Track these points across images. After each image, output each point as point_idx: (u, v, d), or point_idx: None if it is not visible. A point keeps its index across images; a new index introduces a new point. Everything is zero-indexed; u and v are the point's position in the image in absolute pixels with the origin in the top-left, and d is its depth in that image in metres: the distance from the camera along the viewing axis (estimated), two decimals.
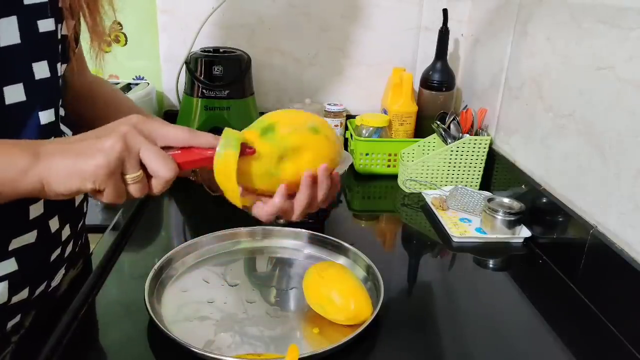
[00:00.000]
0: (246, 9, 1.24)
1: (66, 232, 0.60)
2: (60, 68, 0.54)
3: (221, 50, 1.16)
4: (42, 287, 0.58)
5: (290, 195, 0.54)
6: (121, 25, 1.24)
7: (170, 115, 1.27)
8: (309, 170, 0.53)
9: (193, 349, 0.56)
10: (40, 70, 0.51)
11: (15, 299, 0.55)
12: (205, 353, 0.56)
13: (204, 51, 1.14)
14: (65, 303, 0.64)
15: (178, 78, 1.22)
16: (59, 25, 0.53)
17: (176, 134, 0.49)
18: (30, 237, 0.54)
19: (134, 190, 0.47)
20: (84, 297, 0.67)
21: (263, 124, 0.54)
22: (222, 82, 1.11)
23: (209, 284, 0.72)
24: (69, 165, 0.44)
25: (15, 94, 0.49)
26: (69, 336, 0.61)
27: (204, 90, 1.11)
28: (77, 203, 0.63)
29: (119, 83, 1.21)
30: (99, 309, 0.67)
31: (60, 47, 0.54)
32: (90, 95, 0.69)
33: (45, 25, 0.51)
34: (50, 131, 0.53)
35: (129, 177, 0.46)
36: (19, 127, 0.50)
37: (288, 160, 0.53)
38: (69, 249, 0.62)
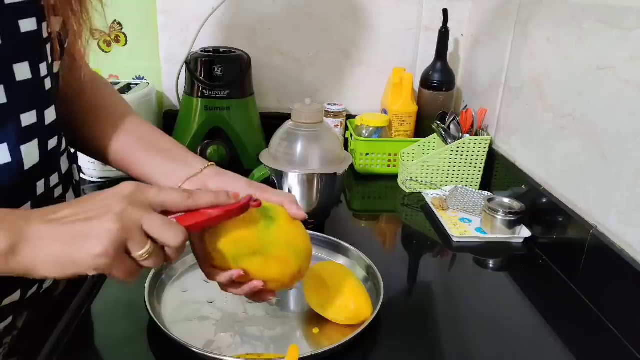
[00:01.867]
0: (246, 9, 1.24)
1: None
2: (47, 67, 0.53)
3: (221, 50, 1.16)
4: (33, 289, 0.58)
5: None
6: (121, 25, 1.24)
7: (170, 116, 1.27)
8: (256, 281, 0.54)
9: (193, 349, 0.56)
10: (22, 71, 0.50)
11: (6, 301, 0.54)
12: (205, 353, 0.56)
13: (204, 51, 1.14)
14: (65, 303, 0.64)
15: (178, 78, 1.22)
16: (43, 24, 0.51)
17: (173, 198, 0.47)
18: None
19: (149, 264, 0.45)
20: (84, 297, 0.67)
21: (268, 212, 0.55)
22: (222, 82, 1.11)
23: (209, 284, 0.72)
24: (58, 252, 0.42)
25: None
26: (69, 336, 0.60)
27: (204, 90, 1.11)
28: (39, 191, 0.62)
29: (118, 83, 1.21)
30: (99, 309, 0.67)
31: (48, 46, 0.53)
32: (82, 96, 0.67)
33: (27, 25, 0.49)
34: (33, 133, 0.52)
35: (137, 255, 0.44)
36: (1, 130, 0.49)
37: (260, 257, 0.54)
38: None
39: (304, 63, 1.30)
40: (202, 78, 1.11)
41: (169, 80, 1.27)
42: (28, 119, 0.51)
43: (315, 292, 0.66)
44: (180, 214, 0.48)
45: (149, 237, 0.45)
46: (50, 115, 0.55)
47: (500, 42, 1.07)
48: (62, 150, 0.60)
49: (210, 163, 0.62)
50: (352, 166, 1.13)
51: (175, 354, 0.58)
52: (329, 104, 1.24)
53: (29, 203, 0.54)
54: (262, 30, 1.26)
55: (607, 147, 0.73)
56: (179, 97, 1.23)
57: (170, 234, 0.45)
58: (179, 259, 0.75)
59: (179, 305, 0.67)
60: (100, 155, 0.67)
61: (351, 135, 1.19)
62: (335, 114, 1.24)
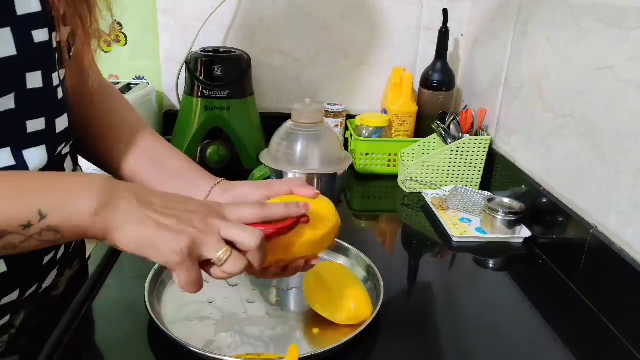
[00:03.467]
0: (246, 9, 1.24)
1: None
2: (58, 76, 0.54)
3: (221, 50, 1.16)
4: (32, 289, 0.58)
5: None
6: (121, 25, 1.24)
7: (170, 115, 1.27)
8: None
9: (193, 349, 0.56)
10: (34, 80, 0.50)
11: (4, 300, 0.54)
12: (205, 353, 0.56)
13: (204, 51, 1.14)
14: (64, 303, 0.64)
15: (178, 78, 1.22)
16: (53, 34, 0.52)
17: (250, 212, 0.50)
18: None
19: (230, 268, 0.47)
20: (84, 297, 0.67)
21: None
22: (222, 82, 1.11)
23: (209, 284, 0.71)
24: (145, 234, 0.44)
25: (4, 103, 0.48)
26: (69, 336, 0.60)
27: (204, 90, 1.11)
28: None
29: (118, 83, 1.21)
30: (99, 309, 0.67)
31: (56, 55, 0.53)
32: (91, 107, 0.66)
33: (40, 35, 0.50)
34: (41, 139, 0.53)
35: (215, 258, 0.46)
36: (3, 132, 0.49)
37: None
38: (61, 251, 0.61)
39: (304, 63, 1.30)
40: (202, 78, 1.11)
41: (169, 80, 1.27)
42: (35, 125, 0.52)
43: (315, 292, 0.66)
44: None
45: (227, 242, 0.47)
46: (61, 123, 0.56)
47: (500, 42, 1.07)
48: (69, 153, 0.60)
49: (218, 180, 0.63)
50: (352, 166, 1.13)
51: (175, 354, 0.58)
52: (329, 104, 1.24)
53: None
54: (262, 30, 1.26)
55: (607, 147, 0.73)
56: (179, 97, 1.23)
57: (246, 235, 0.47)
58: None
59: (179, 305, 0.67)
60: (107, 169, 0.67)
61: (351, 135, 1.19)
62: (335, 114, 1.24)
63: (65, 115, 0.56)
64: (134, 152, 0.65)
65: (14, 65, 0.48)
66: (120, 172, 0.65)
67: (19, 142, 0.51)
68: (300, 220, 0.53)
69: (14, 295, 0.55)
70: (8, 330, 0.58)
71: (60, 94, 0.55)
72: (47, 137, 0.54)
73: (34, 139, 0.52)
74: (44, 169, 0.53)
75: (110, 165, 0.66)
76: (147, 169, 0.65)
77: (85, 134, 0.66)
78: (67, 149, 0.59)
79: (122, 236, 0.44)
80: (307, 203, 0.53)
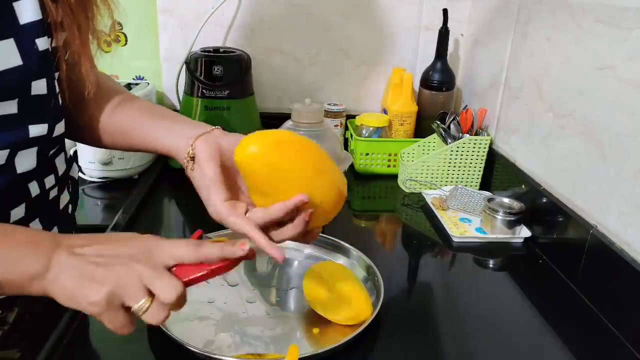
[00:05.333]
0: (246, 9, 1.24)
1: None
2: (58, 82, 0.54)
3: (221, 50, 1.16)
4: None
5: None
6: (121, 25, 1.24)
7: None
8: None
9: (193, 349, 0.56)
10: (38, 87, 0.51)
11: None
12: (205, 353, 0.56)
13: (204, 51, 1.14)
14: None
15: (178, 78, 1.22)
16: (50, 40, 0.52)
17: (185, 253, 0.48)
18: None
19: (148, 318, 0.46)
20: None
21: None
22: (222, 82, 1.11)
23: (209, 284, 0.72)
24: (69, 287, 0.44)
25: (7, 107, 0.49)
26: (69, 335, 0.60)
27: (204, 90, 1.11)
28: (61, 206, 0.62)
29: (119, 83, 1.21)
30: None
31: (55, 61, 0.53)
32: (86, 106, 0.66)
33: (42, 43, 0.50)
34: (36, 142, 0.53)
35: (134, 309, 0.45)
36: (5, 137, 0.50)
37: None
38: None
39: (304, 63, 1.30)
40: (202, 78, 1.11)
41: (169, 80, 1.27)
42: (38, 130, 0.52)
43: (315, 292, 0.66)
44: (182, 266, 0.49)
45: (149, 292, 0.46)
46: (59, 128, 0.56)
47: (500, 42, 1.07)
48: (59, 153, 0.60)
49: (210, 128, 0.61)
50: (352, 166, 1.13)
51: (175, 354, 0.58)
52: (329, 104, 1.24)
53: (24, 204, 0.54)
54: (262, 30, 1.26)
55: (607, 147, 0.73)
56: (179, 97, 1.23)
57: (165, 288, 0.46)
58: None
59: None
60: (96, 135, 0.66)
61: (351, 135, 1.19)
62: (335, 114, 1.23)
63: (63, 121, 0.57)
64: (125, 107, 0.65)
65: (20, 74, 0.48)
66: (111, 129, 0.65)
67: (20, 145, 0.51)
68: (243, 258, 0.50)
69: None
70: (1, 327, 0.58)
71: (60, 100, 0.55)
72: (42, 141, 0.54)
73: (32, 143, 0.52)
74: (32, 170, 0.54)
75: (99, 131, 0.65)
76: (141, 116, 0.64)
77: (77, 115, 0.65)
78: (54, 151, 0.59)
79: (55, 291, 0.45)
80: (244, 243, 0.50)
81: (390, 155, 1.14)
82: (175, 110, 1.21)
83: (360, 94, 1.33)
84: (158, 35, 1.25)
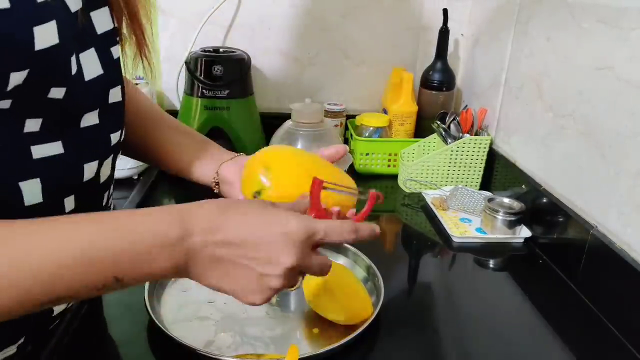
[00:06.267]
0: (246, 9, 1.24)
1: None
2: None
3: (221, 50, 1.16)
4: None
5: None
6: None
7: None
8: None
9: (193, 349, 0.56)
10: (115, 95, 0.51)
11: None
12: (205, 353, 0.56)
13: (204, 51, 1.14)
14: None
15: (178, 78, 1.22)
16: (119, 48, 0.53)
17: (341, 236, 0.48)
18: None
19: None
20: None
21: None
22: (222, 82, 1.11)
23: None
24: (224, 284, 0.45)
25: (90, 118, 0.49)
26: (69, 336, 0.60)
27: (204, 90, 1.11)
28: (104, 201, 0.62)
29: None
30: (99, 309, 0.67)
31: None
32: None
33: (116, 52, 0.51)
34: (116, 149, 0.54)
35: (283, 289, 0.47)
36: (91, 146, 0.49)
37: None
38: None
39: (304, 63, 1.30)
40: (202, 78, 1.11)
41: (169, 80, 1.27)
42: (116, 138, 0.53)
43: (315, 292, 0.66)
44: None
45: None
46: (120, 134, 0.57)
47: (500, 42, 1.07)
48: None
49: (234, 155, 0.67)
50: (352, 166, 1.13)
51: (175, 354, 0.58)
52: (329, 104, 1.24)
53: None
54: (262, 30, 1.26)
55: (607, 147, 0.73)
56: (179, 97, 1.23)
57: (323, 272, 0.49)
58: None
59: (179, 305, 0.67)
60: (135, 154, 0.69)
61: (351, 135, 1.19)
62: (335, 114, 1.23)
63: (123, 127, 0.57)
64: (163, 128, 0.69)
65: (101, 84, 0.48)
66: (147, 150, 0.68)
67: (105, 155, 0.51)
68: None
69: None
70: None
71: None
72: (116, 149, 0.54)
73: (112, 151, 0.53)
74: (107, 181, 0.54)
75: (140, 150, 0.68)
76: (180, 140, 0.68)
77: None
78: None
79: (200, 282, 0.46)
80: (376, 227, 0.53)
81: (390, 155, 1.14)
82: (175, 110, 1.22)
83: (360, 94, 1.33)
84: (158, 35, 1.25)
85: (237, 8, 1.24)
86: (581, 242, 0.75)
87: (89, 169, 0.49)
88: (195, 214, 0.45)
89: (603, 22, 0.74)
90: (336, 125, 1.23)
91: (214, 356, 0.56)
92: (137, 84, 1.22)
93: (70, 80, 0.43)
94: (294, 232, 0.45)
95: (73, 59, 0.43)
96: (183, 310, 0.66)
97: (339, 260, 0.77)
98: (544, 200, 0.87)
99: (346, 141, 1.24)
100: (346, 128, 1.25)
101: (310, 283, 0.67)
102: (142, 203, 0.95)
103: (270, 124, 1.07)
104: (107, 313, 0.67)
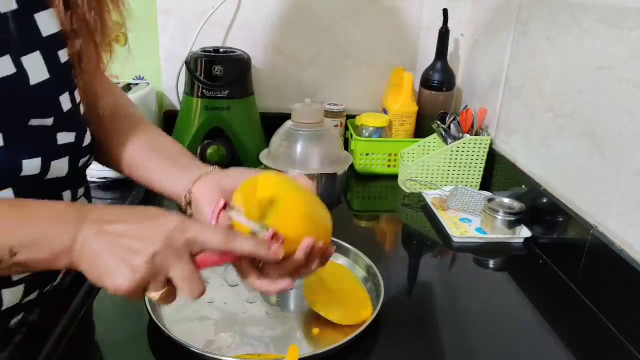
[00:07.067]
0: (246, 9, 1.24)
1: None
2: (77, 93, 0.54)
3: (221, 50, 1.16)
4: (48, 287, 0.58)
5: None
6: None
7: (170, 115, 1.27)
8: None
9: (193, 349, 0.56)
10: (65, 101, 0.51)
11: (26, 299, 0.55)
12: (205, 353, 0.56)
13: (204, 51, 1.14)
14: (65, 303, 0.64)
15: (178, 78, 1.22)
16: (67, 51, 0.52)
17: (215, 241, 0.47)
18: None
19: (159, 302, 0.48)
20: (84, 297, 0.67)
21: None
22: (222, 82, 1.11)
23: (209, 284, 0.71)
24: (99, 265, 0.45)
25: (41, 119, 0.49)
26: (69, 336, 0.60)
27: (204, 90, 1.11)
28: (66, 199, 0.63)
29: (119, 83, 1.21)
30: (99, 309, 0.67)
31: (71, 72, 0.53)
32: (102, 120, 0.66)
33: (63, 55, 0.50)
34: (67, 151, 0.53)
35: (151, 296, 0.46)
36: (36, 145, 0.49)
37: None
38: None
39: (304, 63, 1.30)
40: (202, 78, 1.11)
41: (169, 80, 1.27)
42: (66, 138, 0.52)
43: (315, 292, 0.66)
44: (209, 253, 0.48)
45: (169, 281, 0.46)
46: (87, 138, 0.56)
47: (500, 42, 1.07)
48: (90, 163, 0.61)
49: (210, 169, 0.61)
50: (352, 166, 1.13)
51: (175, 354, 0.58)
52: (329, 104, 1.24)
53: None
54: (262, 30, 1.26)
55: (607, 147, 0.73)
56: (179, 97, 1.23)
57: (192, 289, 0.46)
58: None
59: (179, 305, 0.67)
60: (107, 161, 0.67)
61: (351, 135, 1.19)
62: (335, 114, 1.24)
63: (89, 130, 0.57)
64: (135, 142, 0.65)
65: (49, 89, 0.48)
66: (122, 163, 0.65)
67: (51, 154, 0.51)
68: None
69: (34, 295, 0.56)
70: (22, 329, 0.58)
71: (82, 110, 0.55)
72: (73, 150, 0.54)
73: (63, 151, 0.53)
74: (63, 178, 0.54)
75: (113, 160, 0.65)
76: (147, 155, 0.64)
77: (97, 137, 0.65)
78: (86, 161, 0.59)
79: (81, 267, 0.45)
80: (281, 247, 0.48)
81: (390, 155, 1.14)
82: (175, 110, 1.22)
83: (360, 94, 1.33)
84: (158, 36, 1.25)
85: (237, 8, 1.24)
86: (581, 242, 0.75)
87: (30, 165, 0.49)
88: (96, 207, 0.48)
89: (603, 22, 0.74)
90: (336, 125, 1.23)
91: (214, 356, 0.56)
92: (137, 84, 1.22)
93: (9, 82, 0.43)
94: (170, 219, 0.46)
95: (4, 59, 0.43)
96: (183, 310, 0.66)
97: (339, 260, 0.77)
98: (544, 200, 0.87)
99: (346, 141, 1.24)
100: (346, 128, 1.25)
101: (310, 283, 0.67)
102: (142, 203, 0.95)
103: (270, 124, 1.07)
104: (107, 313, 0.67)
